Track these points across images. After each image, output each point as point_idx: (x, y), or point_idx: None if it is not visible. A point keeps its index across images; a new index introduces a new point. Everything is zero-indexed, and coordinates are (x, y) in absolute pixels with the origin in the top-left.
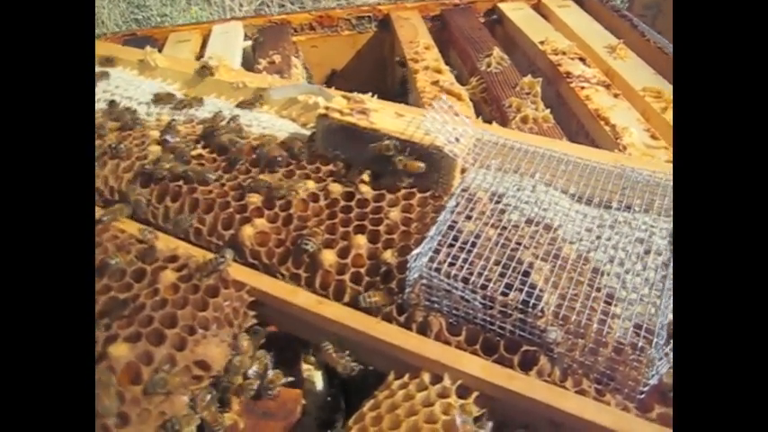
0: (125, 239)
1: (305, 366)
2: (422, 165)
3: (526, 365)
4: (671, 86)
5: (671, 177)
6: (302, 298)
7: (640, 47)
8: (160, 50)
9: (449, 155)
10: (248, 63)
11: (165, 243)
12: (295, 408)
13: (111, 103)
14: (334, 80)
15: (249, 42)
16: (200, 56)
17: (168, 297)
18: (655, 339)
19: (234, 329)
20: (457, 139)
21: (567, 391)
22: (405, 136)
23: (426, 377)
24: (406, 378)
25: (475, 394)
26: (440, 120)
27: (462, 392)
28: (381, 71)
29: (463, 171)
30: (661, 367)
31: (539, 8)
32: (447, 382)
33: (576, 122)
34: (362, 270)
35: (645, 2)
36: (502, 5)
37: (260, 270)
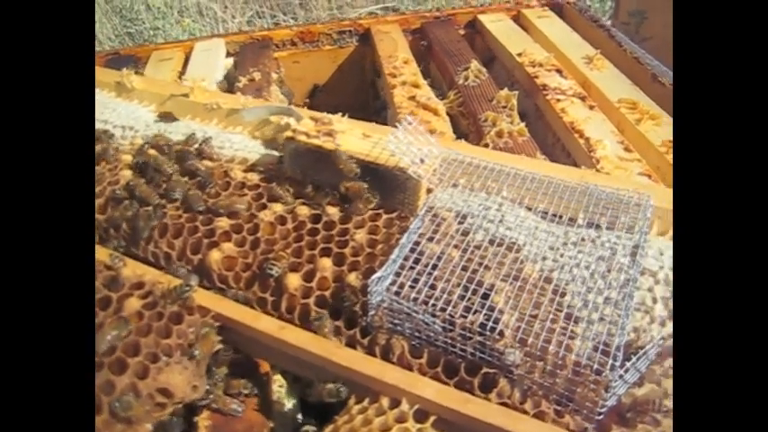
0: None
1: (274, 388)
2: (364, 185)
3: (486, 388)
4: (646, 97)
5: (634, 194)
6: (264, 323)
7: (617, 57)
8: (142, 69)
9: (413, 176)
10: (230, 80)
11: (133, 269)
12: (261, 431)
13: None
14: (317, 95)
15: (231, 60)
16: (181, 74)
17: (132, 325)
18: (611, 361)
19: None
20: (422, 160)
21: (523, 414)
22: (369, 158)
23: (385, 402)
24: (365, 402)
25: (432, 418)
26: (404, 140)
27: (420, 417)
28: (363, 85)
29: (429, 191)
30: (619, 388)
31: (518, 20)
32: (405, 406)
33: (552, 135)
34: (327, 293)
35: (630, 9)
36: (482, 17)
37: (228, 295)
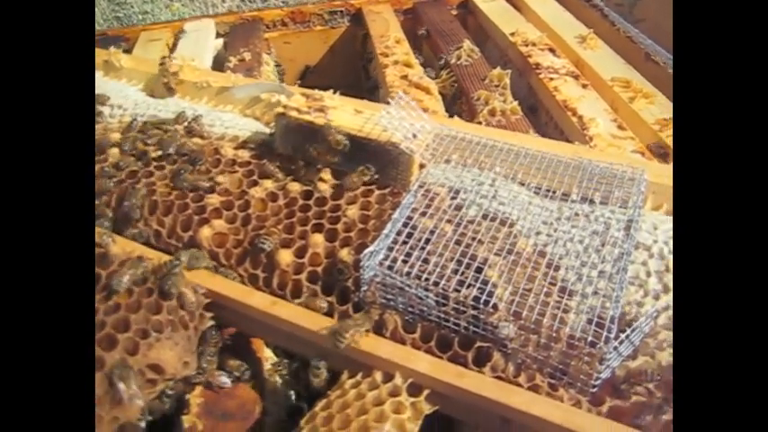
0: None
1: (267, 366)
2: (335, 158)
3: (480, 361)
4: (640, 76)
5: (628, 169)
6: (257, 299)
7: (610, 36)
8: (131, 50)
9: (405, 151)
10: (221, 61)
11: (122, 246)
12: (254, 408)
13: None
14: (308, 76)
15: (221, 40)
16: (170, 54)
17: (122, 301)
18: (605, 334)
19: (189, 332)
20: (414, 135)
21: (517, 387)
22: (362, 133)
23: (378, 376)
24: (358, 377)
25: (426, 392)
26: (397, 116)
27: (413, 390)
28: (355, 65)
29: (422, 167)
30: (613, 361)
31: None
32: (398, 380)
33: (545, 113)
34: (319, 269)
35: None
36: None
37: (215, 271)
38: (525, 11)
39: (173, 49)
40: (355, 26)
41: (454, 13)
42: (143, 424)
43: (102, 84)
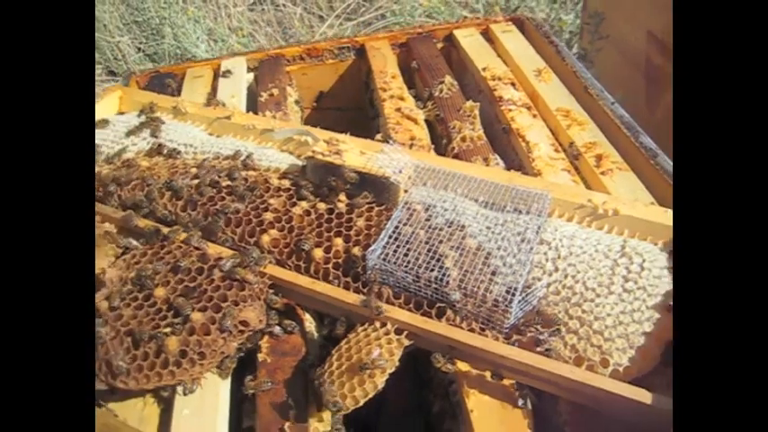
0: (187, 249)
1: (306, 324)
2: (348, 186)
3: (440, 315)
4: (578, 106)
5: (540, 191)
6: (302, 280)
7: (561, 70)
8: (180, 85)
9: (394, 182)
10: (253, 96)
11: (214, 249)
12: (302, 349)
13: (159, 146)
14: (322, 99)
15: (252, 75)
16: (213, 88)
17: (220, 284)
18: (510, 296)
19: (261, 302)
20: (400, 171)
21: (461, 329)
22: (365, 169)
23: (378, 324)
24: (365, 325)
25: (405, 333)
26: (388, 157)
27: (398, 332)
28: (359, 90)
29: (405, 191)
30: (518, 313)
31: (487, 33)
32: (389, 326)
33: (506, 139)
34: (340, 261)
35: (591, 11)
36: (456, 32)
37: (274, 263)
38: (497, 45)
39: (214, 83)
40: (359, 59)
41: (440, 45)
42: (237, 356)
43: (174, 126)
